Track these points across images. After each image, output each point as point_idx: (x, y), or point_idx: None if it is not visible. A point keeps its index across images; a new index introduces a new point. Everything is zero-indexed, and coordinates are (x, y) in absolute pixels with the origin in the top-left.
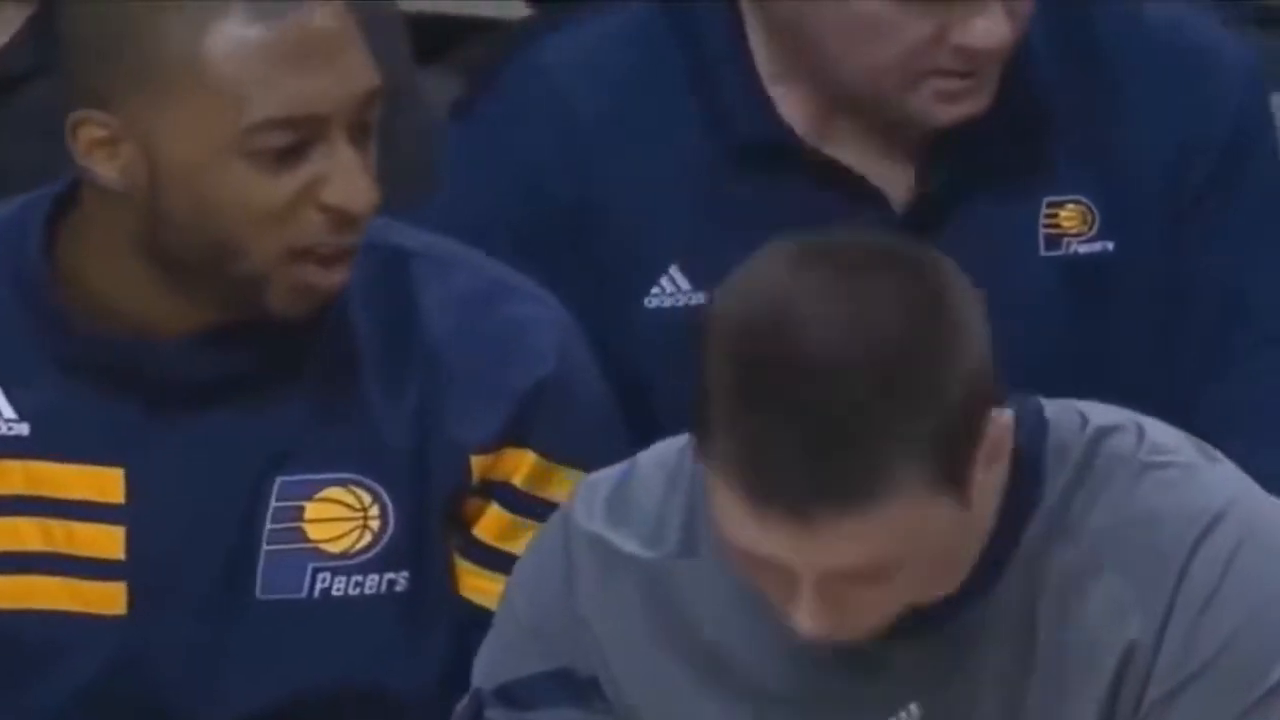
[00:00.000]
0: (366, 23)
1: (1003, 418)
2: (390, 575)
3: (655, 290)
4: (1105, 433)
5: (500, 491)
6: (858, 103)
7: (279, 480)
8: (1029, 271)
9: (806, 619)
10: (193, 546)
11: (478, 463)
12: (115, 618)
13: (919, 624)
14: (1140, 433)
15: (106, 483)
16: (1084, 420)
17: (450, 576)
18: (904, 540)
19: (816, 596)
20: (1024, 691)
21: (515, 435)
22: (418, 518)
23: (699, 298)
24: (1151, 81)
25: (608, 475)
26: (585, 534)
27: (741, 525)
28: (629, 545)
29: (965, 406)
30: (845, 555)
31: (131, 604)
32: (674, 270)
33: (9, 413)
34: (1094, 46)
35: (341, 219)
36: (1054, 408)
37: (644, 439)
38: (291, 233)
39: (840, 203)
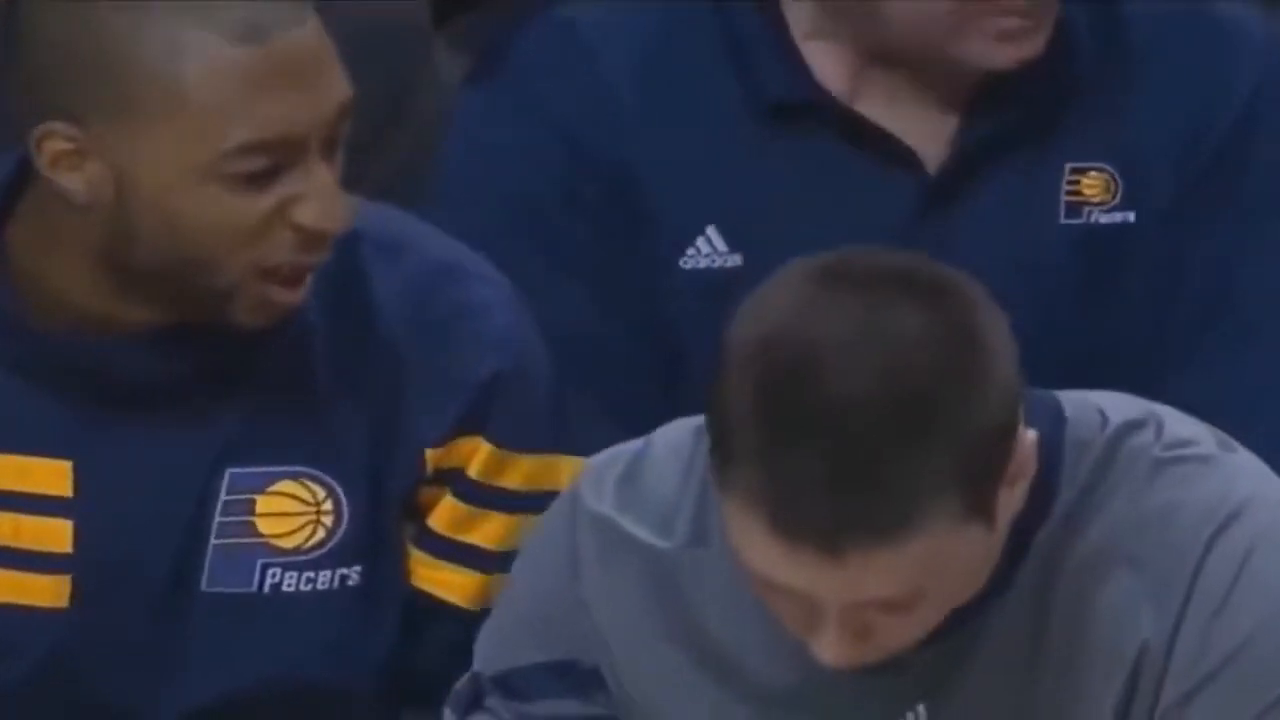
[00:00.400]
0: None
1: (1028, 436)
2: (343, 570)
3: (691, 251)
4: (1125, 430)
5: (454, 480)
6: (901, 56)
7: (229, 472)
8: (1046, 238)
9: (830, 650)
10: (141, 540)
11: (433, 455)
12: (57, 611)
13: (933, 630)
14: (1159, 427)
15: (54, 476)
16: (1104, 418)
17: (403, 568)
18: (933, 569)
19: (841, 627)
20: (1035, 691)
21: (470, 425)
22: (372, 512)
23: (735, 259)
24: (1173, 56)
25: (620, 454)
26: (592, 515)
27: (765, 556)
28: (638, 531)
29: (994, 433)
30: (874, 587)
31: (75, 597)
32: (711, 231)
33: None
34: (1122, 20)
35: (314, 239)
36: (1072, 404)
37: (677, 402)
38: (262, 251)
39: (873, 162)
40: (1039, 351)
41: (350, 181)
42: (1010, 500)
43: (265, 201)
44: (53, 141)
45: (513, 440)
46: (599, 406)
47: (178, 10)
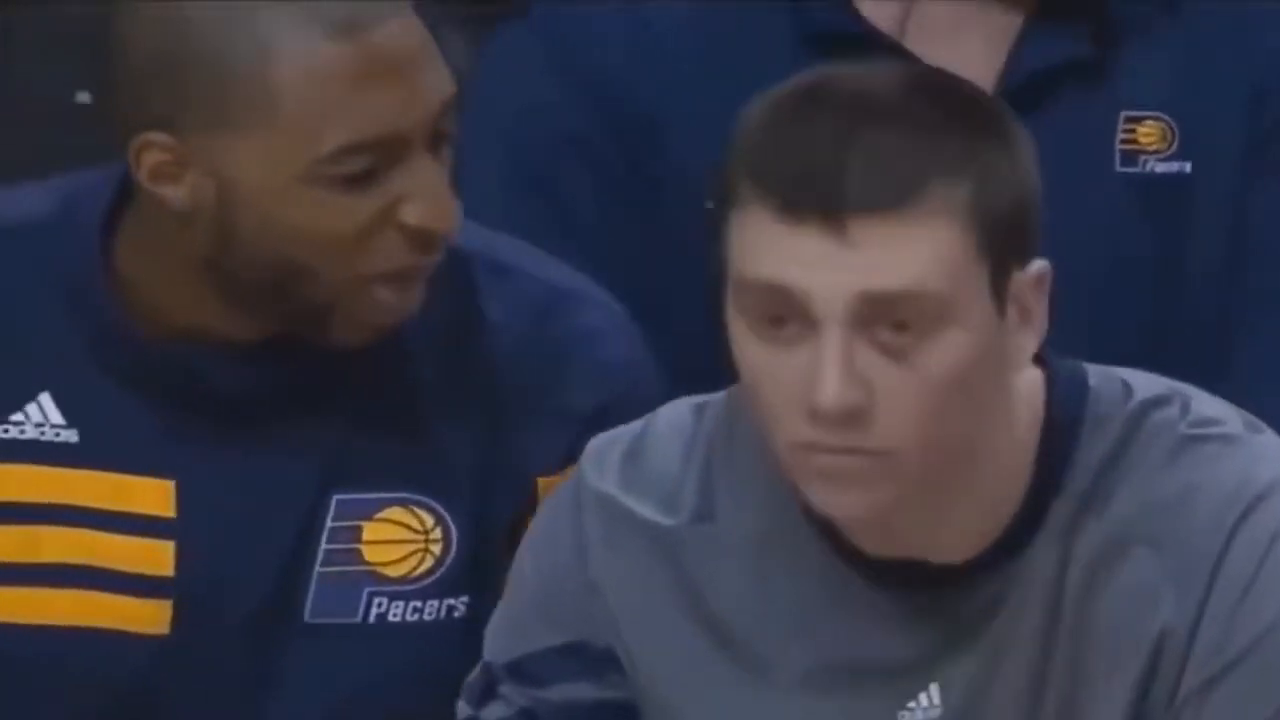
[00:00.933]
0: None
1: (1045, 271)
2: (450, 601)
3: None
4: (1150, 405)
5: None
6: None
7: (336, 498)
8: (1103, 185)
9: (828, 377)
10: (244, 564)
11: (544, 484)
12: (155, 637)
13: (941, 593)
14: (1185, 405)
15: (157, 495)
16: (1128, 392)
17: None
18: (939, 275)
19: (842, 349)
20: (1048, 673)
21: (579, 455)
22: (480, 540)
23: None
24: (1238, 13)
25: (621, 435)
26: (597, 494)
27: (771, 245)
28: (642, 509)
29: (1010, 190)
30: (878, 269)
31: (175, 623)
32: None
33: (56, 418)
34: None
35: (424, 239)
36: (1098, 376)
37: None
38: (369, 256)
39: None
40: (1111, 311)
41: None
42: (1022, 344)
43: (370, 203)
44: (150, 153)
45: None
46: None
47: (268, 10)
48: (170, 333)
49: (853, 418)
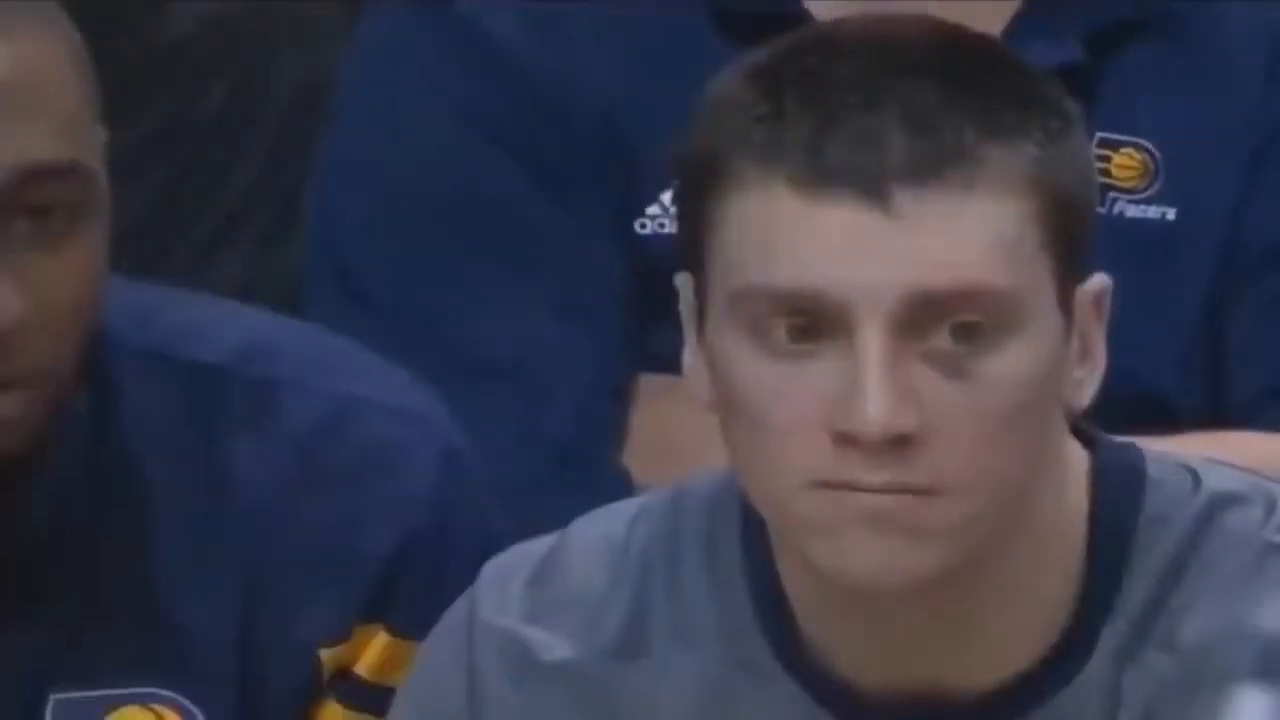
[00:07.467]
0: None
1: (1100, 282)
2: None
3: (653, 210)
4: (1222, 502)
5: (340, 684)
6: None
7: (53, 700)
8: None
9: (872, 393)
10: None
11: (329, 656)
12: None
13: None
14: (1270, 506)
15: None
16: (1196, 483)
17: None
18: (1003, 264)
19: (887, 357)
20: None
21: (372, 610)
22: None
23: None
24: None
25: (528, 551)
26: (495, 631)
27: (788, 233)
28: (554, 647)
29: (1072, 175)
30: (930, 256)
31: None
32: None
33: None
34: None
35: None
36: (1159, 464)
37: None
38: None
39: None
40: None
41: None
42: (1081, 380)
43: None
44: None
45: (421, 625)
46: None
47: None
48: None
49: (898, 446)
